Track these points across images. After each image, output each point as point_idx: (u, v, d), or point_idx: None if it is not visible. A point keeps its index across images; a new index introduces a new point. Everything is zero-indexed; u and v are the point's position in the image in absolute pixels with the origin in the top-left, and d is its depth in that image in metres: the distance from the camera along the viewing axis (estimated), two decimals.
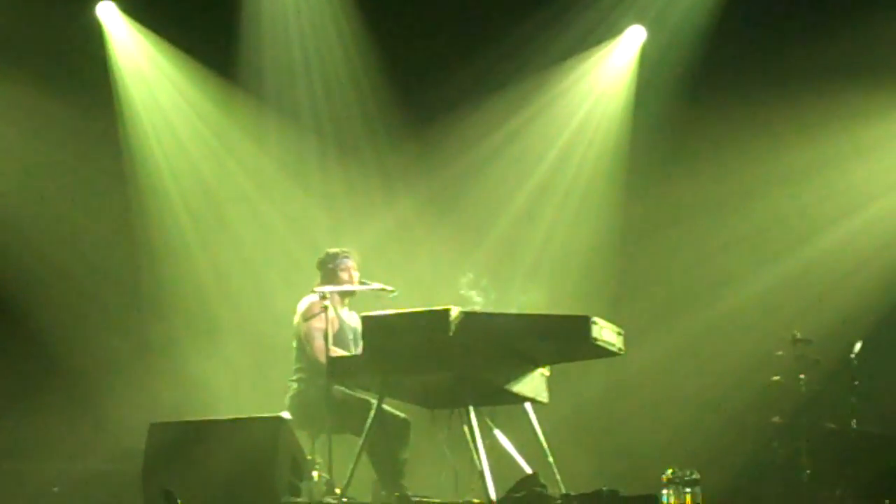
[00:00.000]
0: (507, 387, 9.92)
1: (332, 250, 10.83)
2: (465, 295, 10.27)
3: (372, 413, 9.82)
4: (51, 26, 12.82)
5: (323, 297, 10.20)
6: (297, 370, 10.57)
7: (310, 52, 13.67)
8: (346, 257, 10.80)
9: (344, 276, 10.72)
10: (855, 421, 11.86)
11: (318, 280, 10.71)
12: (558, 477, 10.06)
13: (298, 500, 9.68)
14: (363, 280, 10.67)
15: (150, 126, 13.48)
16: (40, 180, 13.04)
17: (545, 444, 10.16)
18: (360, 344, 10.18)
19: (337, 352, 10.19)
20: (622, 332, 9.81)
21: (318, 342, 10.29)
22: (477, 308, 10.01)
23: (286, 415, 10.09)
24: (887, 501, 11.76)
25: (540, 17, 13.39)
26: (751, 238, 13.31)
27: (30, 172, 12.99)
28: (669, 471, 9.86)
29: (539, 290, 11.69)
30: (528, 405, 10.22)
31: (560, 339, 9.63)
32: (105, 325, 12.89)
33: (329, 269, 10.75)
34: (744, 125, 13.20)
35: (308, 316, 10.51)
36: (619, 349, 9.78)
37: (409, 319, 9.57)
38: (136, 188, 13.38)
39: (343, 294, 10.73)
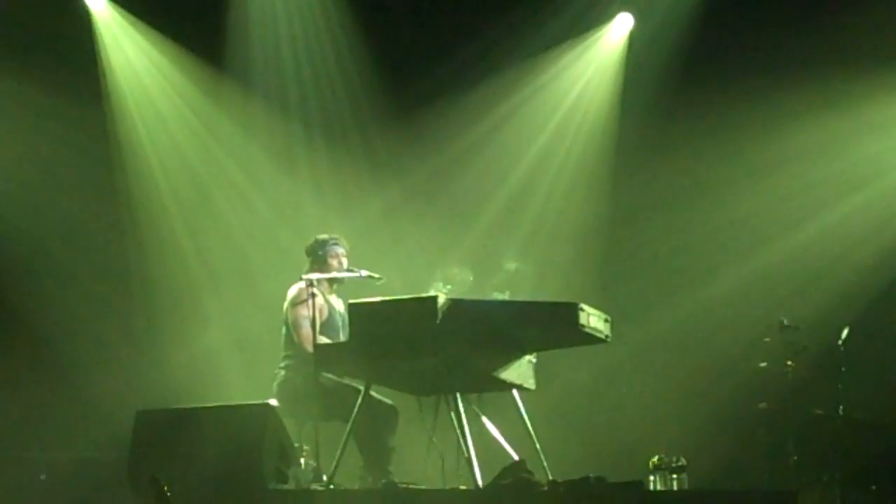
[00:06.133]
0: (494, 374, 9.91)
1: (322, 237, 10.76)
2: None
3: (359, 400, 9.84)
4: (39, 15, 12.76)
5: (310, 285, 10.16)
6: (286, 357, 10.54)
7: (298, 40, 13.65)
8: (336, 244, 10.74)
9: (333, 262, 10.65)
10: (842, 407, 11.89)
11: (308, 266, 10.66)
12: (545, 463, 10.07)
13: (285, 486, 9.66)
14: (351, 267, 10.62)
15: (137, 114, 13.45)
16: (27, 169, 12.99)
17: (532, 431, 10.16)
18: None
19: (323, 339, 10.18)
20: (609, 318, 9.81)
21: (305, 330, 10.29)
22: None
23: (273, 402, 10.09)
24: (874, 488, 11.81)
25: (529, 5, 13.37)
26: (738, 224, 13.32)
27: (16, 161, 12.95)
28: (656, 457, 9.91)
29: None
30: (515, 392, 10.22)
31: (547, 325, 9.63)
32: (92, 313, 12.88)
33: (318, 256, 10.69)
34: (730, 112, 13.17)
35: (296, 302, 10.47)
36: (607, 336, 9.77)
37: (396, 306, 9.56)
38: (124, 176, 13.35)
39: (331, 281, 10.68)
